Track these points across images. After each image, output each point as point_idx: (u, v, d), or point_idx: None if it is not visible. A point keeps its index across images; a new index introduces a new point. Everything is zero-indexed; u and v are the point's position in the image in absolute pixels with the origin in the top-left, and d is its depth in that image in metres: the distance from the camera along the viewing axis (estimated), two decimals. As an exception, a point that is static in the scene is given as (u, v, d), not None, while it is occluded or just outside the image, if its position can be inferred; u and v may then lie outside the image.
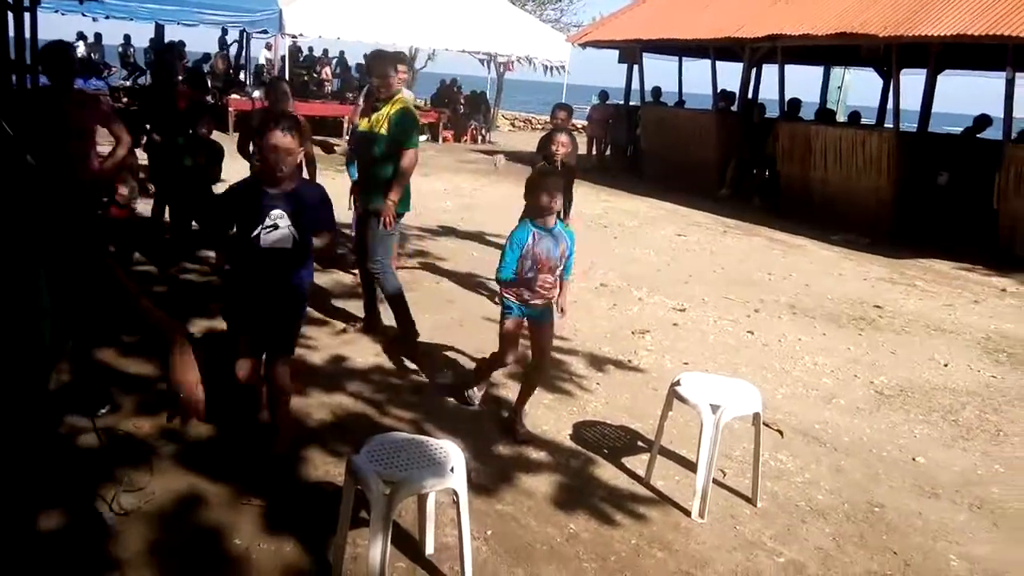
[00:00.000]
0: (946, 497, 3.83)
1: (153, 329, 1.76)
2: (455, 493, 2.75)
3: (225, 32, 18.84)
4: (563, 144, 5.90)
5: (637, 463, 3.86)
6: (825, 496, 3.74)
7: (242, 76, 18.73)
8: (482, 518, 3.25)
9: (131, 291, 1.77)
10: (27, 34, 8.02)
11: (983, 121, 11.32)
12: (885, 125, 12.41)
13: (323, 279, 6.50)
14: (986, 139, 11.20)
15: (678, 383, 3.65)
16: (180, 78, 7.14)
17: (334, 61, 21.18)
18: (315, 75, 19.37)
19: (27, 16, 8.00)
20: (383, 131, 4.87)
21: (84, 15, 15.44)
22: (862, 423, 4.61)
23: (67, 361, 3.78)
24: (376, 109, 4.96)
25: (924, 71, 11.22)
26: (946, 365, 5.71)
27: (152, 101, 6.88)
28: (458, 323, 5.75)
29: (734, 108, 13.74)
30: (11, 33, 7.67)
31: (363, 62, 21.62)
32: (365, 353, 4.96)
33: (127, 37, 19.74)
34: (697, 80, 15.74)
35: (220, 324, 5.16)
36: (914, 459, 4.20)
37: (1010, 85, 9.43)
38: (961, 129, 11.97)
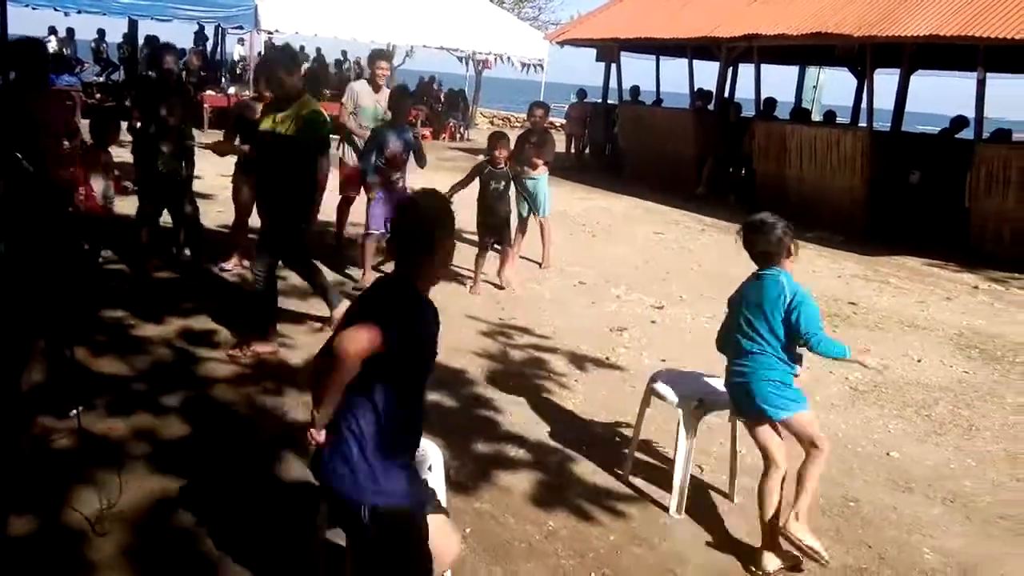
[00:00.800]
0: (920, 491, 3.88)
1: None
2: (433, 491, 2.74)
3: (201, 28, 18.62)
4: (500, 148, 6.27)
5: (615, 460, 3.87)
6: (801, 491, 3.76)
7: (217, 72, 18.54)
8: (460, 516, 3.24)
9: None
10: (-4, 28, 7.87)
11: (960, 122, 11.44)
12: (859, 124, 12.54)
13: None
14: (958, 138, 11.36)
15: (655, 380, 3.66)
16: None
17: (311, 58, 21.02)
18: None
19: (-4, 10, 7.86)
20: (290, 133, 4.53)
21: (56, 9, 15.15)
22: (837, 419, 4.66)
23: (40, 360, 3.71)
24: (280, 109, 4.62)
25: (898, 71, 11.35)
26: (919, 361, 5.78)
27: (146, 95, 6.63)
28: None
29: (711, 107, 13.82)
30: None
31: (341, 59, 21.63)
32: (343, 351, 4.93)
33: (101, 32, 19.44)
34: (674, 79, 15.83)
35: (195, 323, 5.12)
36: (888, 454, 4.25)
37: (981, 85, 9.57)
38: (937, 129, 12.11)
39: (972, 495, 3.87)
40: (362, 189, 6.78)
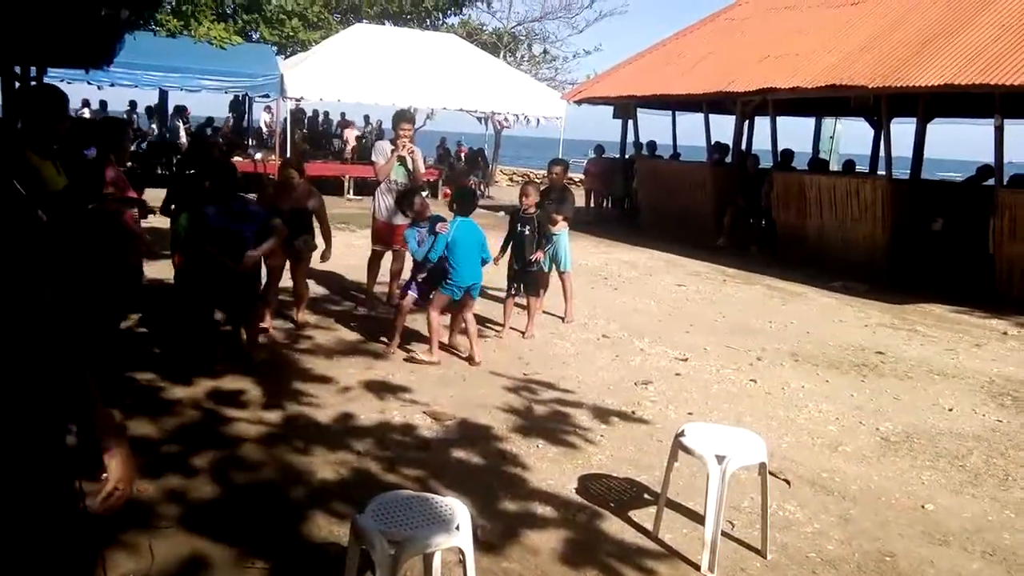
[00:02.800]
0: (957, 544, 3.78)
1: (97, 433, 1.82)
2: (461, 551, 2.73)
3: (237, 96, 19.19)
4: (527, 195, 6.86)
5: (644, 516, 3.83)
6: (835, 546, 3.69)
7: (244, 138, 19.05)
8: (489, 576, 3.21)
9: (94, 397, 1.82)
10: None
11: (986, 171, 11.39)
12: (878, 173, 12.58)
13: (325, 336, 6.53)
14: (980, 185, 11.33)
15: (682, 434, 3.64)
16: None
17: (334, 122, 21.59)
18: (339, 138, 20.08)
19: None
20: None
21: (89, 83, 15.79)
22: (869, 470, 4.58)
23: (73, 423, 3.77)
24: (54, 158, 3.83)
25: (914, 119, 11.41)
26: (951, 410, 5.69)
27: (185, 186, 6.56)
28: (460, 377, 5.75)
29: (728, 160, 13.95)
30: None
31: (363, 123, 22.14)
32: (369, 410, 4.96)
33: (133, 103, 20.13)
34: (691, 131, 16.03)
35: (223, 384, 5.18)
36: (923, 506, 4.16)
37: (999, 132, 9.59)
38: (960, 176, 12.06)
39: (1012, 548, 3.77)
40: (392, 244, 7.05)
